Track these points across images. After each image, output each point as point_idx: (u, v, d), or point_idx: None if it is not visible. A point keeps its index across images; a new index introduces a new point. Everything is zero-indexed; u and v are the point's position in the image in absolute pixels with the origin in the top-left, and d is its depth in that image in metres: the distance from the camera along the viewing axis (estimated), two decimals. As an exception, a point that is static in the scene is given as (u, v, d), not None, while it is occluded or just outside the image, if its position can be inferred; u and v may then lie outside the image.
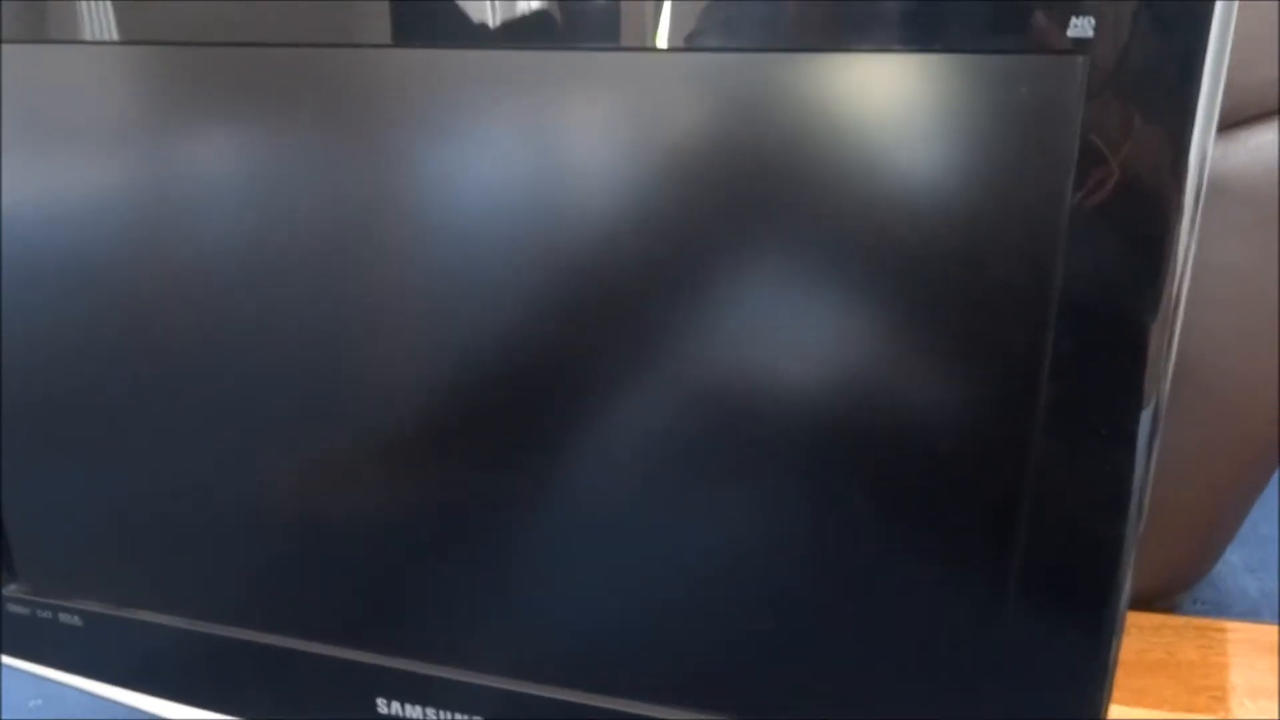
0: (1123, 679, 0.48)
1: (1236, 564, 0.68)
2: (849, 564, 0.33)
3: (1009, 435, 0.30)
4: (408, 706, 0.40)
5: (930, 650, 0.33)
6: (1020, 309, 0.28)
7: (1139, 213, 0.27)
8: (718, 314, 0.32)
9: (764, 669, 0.36)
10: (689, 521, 0.34)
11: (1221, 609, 0.63)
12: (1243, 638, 0.52)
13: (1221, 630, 0.52)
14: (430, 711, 0.40)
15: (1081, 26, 0.25)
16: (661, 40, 0.29)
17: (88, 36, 0.35)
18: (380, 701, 0.40)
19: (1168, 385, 0.28)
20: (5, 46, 0.36)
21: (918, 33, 0.27)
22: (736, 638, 0.36)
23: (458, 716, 0.39)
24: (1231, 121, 0.44)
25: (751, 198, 0.30)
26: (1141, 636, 0.51)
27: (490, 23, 0.31)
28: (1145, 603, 0.55)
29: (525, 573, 0.37)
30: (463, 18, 0.31)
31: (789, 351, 0.32)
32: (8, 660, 0.47)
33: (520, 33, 0.30)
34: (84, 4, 0.34)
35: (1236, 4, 0.25)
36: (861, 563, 0.33)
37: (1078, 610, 0.31)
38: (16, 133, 0.37)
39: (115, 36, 0.34)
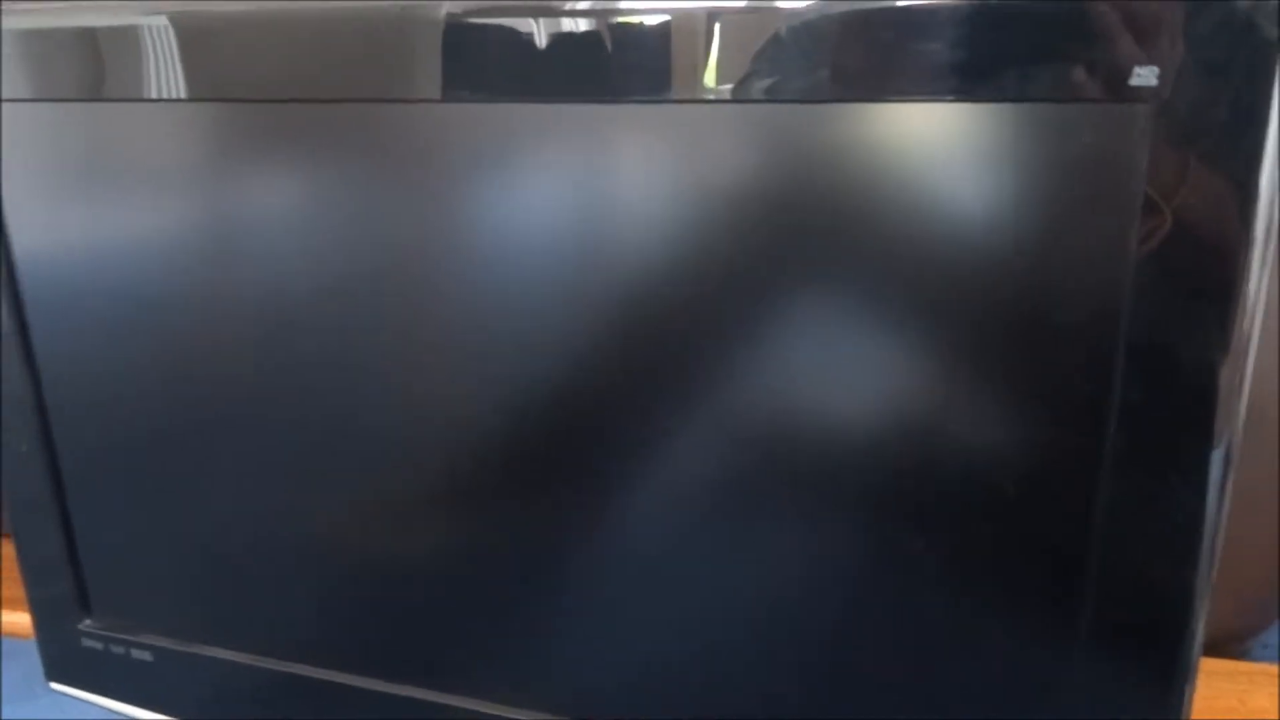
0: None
1: (1309, 607, 0.65)
2: (909, 611, 0.33)
3: (1076, 481, 0.29)
4: (466, 745, 0.40)
5: (995, 700, 0.33)
6: (1085, 355, 0.28)
7: (1206, 259, 0.26)
8: (772, 362, 0.32)
9: (815, 708, 0.35)
10: (744, 565, 0.34)
11: (1294, 654, 0.61)
12: (1318, 685, 0.50)
13: (1296, 677, 0.51)
14: (489, 750, 0.40)
15: (1145, 76, 0.25)
16: (716, 92, 0.30)
17: (153, 95, 0.36)
18: (441, 740, 0.41)
19: (1239, 428, 0.28)
20: (79, 105, 0.37)
21: (976, 81, 0.27)
22: (788, 684, 0.35)
23: (517, 756, 0.40)
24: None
25: (807, 247, 0.30)
26: (1211, 683, 0.50)
27: (537, 77, 0.31)
28: (1213, 648, 0.54)
29: (579, 613, 0.37)
30: (508, 73, 0.31)
31: (849, 398, 0.32)
32: (80, 694, 0.48)
33: (566, 86, 0.31)
34: (150, 66, 0.36)
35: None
36: (922, 610, 0.33)
37: (1149, 658, 0.30)
38: (90, 186, 0.39)
39: (182, 94, 0.36)
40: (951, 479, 0.31)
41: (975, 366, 0.30)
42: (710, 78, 0.29)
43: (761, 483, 0.33)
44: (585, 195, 0.32)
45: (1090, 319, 0.28)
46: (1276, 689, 0.50)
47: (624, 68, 0.30)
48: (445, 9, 0.31)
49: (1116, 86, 0.25)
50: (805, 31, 0.28)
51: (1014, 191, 0.28)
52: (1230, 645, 0.56)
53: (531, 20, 0.31)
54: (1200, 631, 0.30)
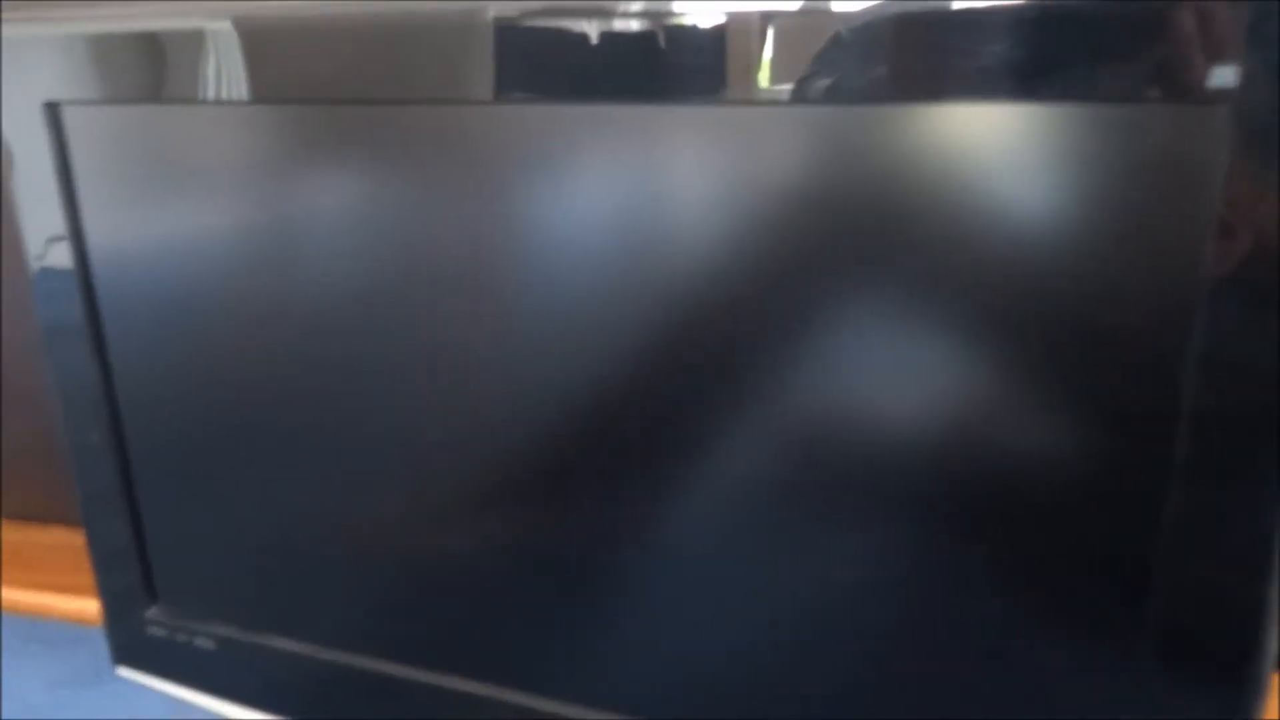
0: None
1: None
2: (969, 620, 0.33)
3: (1144, 490, 0.29)
4: (521, 740, 0.41)
5: (1059, 712, 0.32)
6: (1156, 362, 0.28)
7: (1283, 263, 0.26)
8: (832, 364, 0.32)
9: (871, 717, 0.35)
10: (797, 566, 0.34)
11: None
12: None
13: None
14: (543, 746, 0.40)
15: (1224, 76, 0.24)
16: (772, 93, 0.29)
17: (212, 97, 0.37)
18: (495, 734, 0.41)
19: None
20: (150, 106, 0.39)
21: (1044, 83, 0.27)
22: (840, 687, 0.35)
23: (571, 752, 0.40)
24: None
25: (867, 252, 0.30)
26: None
27: (590, 78, 0.31)
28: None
29: (633, 610, 0.37)
30: (562, 74, 0.32)
31: (914, 406, 0.31)
32: (145, 679, 0.49)
33: (620, 88, 0.31)
34: (210, 69, 0.37)
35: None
36: (983, 619, 0.32)
37: (1218, 674, 0.30)
38: (160, 186, 0.40)
39: (244, 97, 0.37)
40: (1016, 487, 0.30)
41: (1043, 373, 0.29)
42: (765, 79, 0.29)
43: (822, 487, 0.33)
44: (638, 197, 0.32)
45: (1161, 326, 0.27)
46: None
47: (678, 69, 0.30)
48: (497, 10, 0.32)
49: (1193, 87, 0.25)
50: (868, 33, 0.28)
51: (1084, 196, 0.27)
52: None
53: (585, 21, 0.31)
54: (1273, 645, 0.29)
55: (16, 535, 0.79)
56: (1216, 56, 0.24)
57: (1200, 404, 0.28)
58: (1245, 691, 0.30)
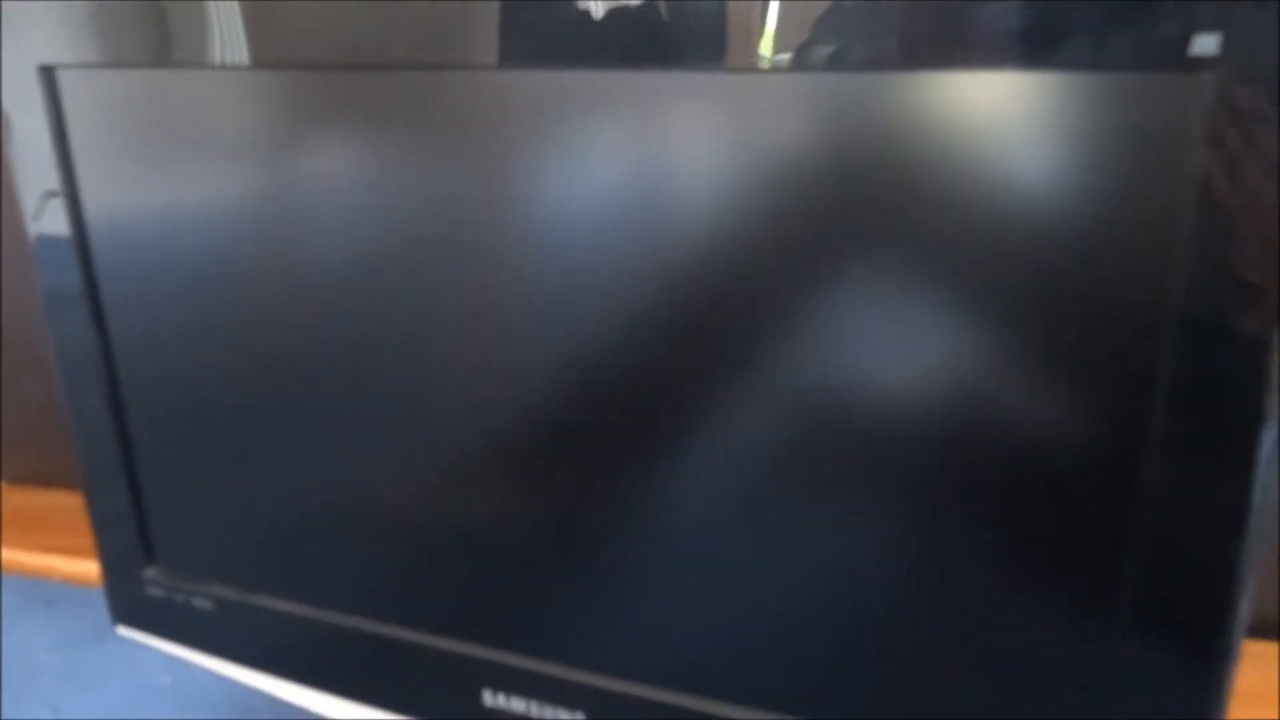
0: (1238, 710, 0.46)
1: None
2: (952, 583, 0.33)
3: (1122, 455, 0.29)
4: (513, 699, 0.41)
5: (1035, 675, 0.33)
6: (1136, 329, 0.28)
7: (1262, 232, 0.26)
8: (826, 330, 0.32)
9: (861, 682, 0.36)
10: (792, 533, 0.35)
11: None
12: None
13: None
14: (534, 706, 0.41)
15: (1206, 44, 0.24)
16: (772, 60, 0.30)
17: (217, 62, 0.37)
18: (486, 693, 0.42)
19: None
20: (148, 70, 0.39)
21: (1031, 51, 0.27)
22: (834, 649, 0.36)
23: (560, 712, 0.40)
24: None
25: (859, 218, 0.30)
26: (1259, 666, 0.49)
27: (591, 45, 0.31)
28: (1267, 631, 0.53)
29: (631, 575, 0.38)
30: (563, 40, 0.32)
31: (896, 368, 0.32)
32: (144, 638, 0.50)
33: (621, 54, 0.31)
34: (214, 33, 0.37)
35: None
36: (965, 582, 0.33)
37: (1192, 636, 0.30)
38: (158, 151, 0.40)
39: (243, 62, 0.37)
40: (996, 450, 0.31)
41: (1023, 337, 0.30)
42: (767, 46, 0.29)
43: (811, 454, 0.33)
44: (640, 165, 0.33)
45: (1143, 293, 0.27)
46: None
47: (679, 36, 0.30)
48: None
49: (1176, 55, 0.25)
50: (861, 1, 0.28)
51: (1069, 163, 0.28)
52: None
53: None
54: (1245, 609, 0.30)
55: (19, 498, 0.80)
56: (1198, 25, 0.25)
57: (1180, 370, 0.28)
58: (1218, 655, 0.30)
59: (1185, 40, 0.25)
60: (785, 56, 0.29)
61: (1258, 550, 0.29)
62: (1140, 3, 0.25)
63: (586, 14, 0.31)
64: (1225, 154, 0.26)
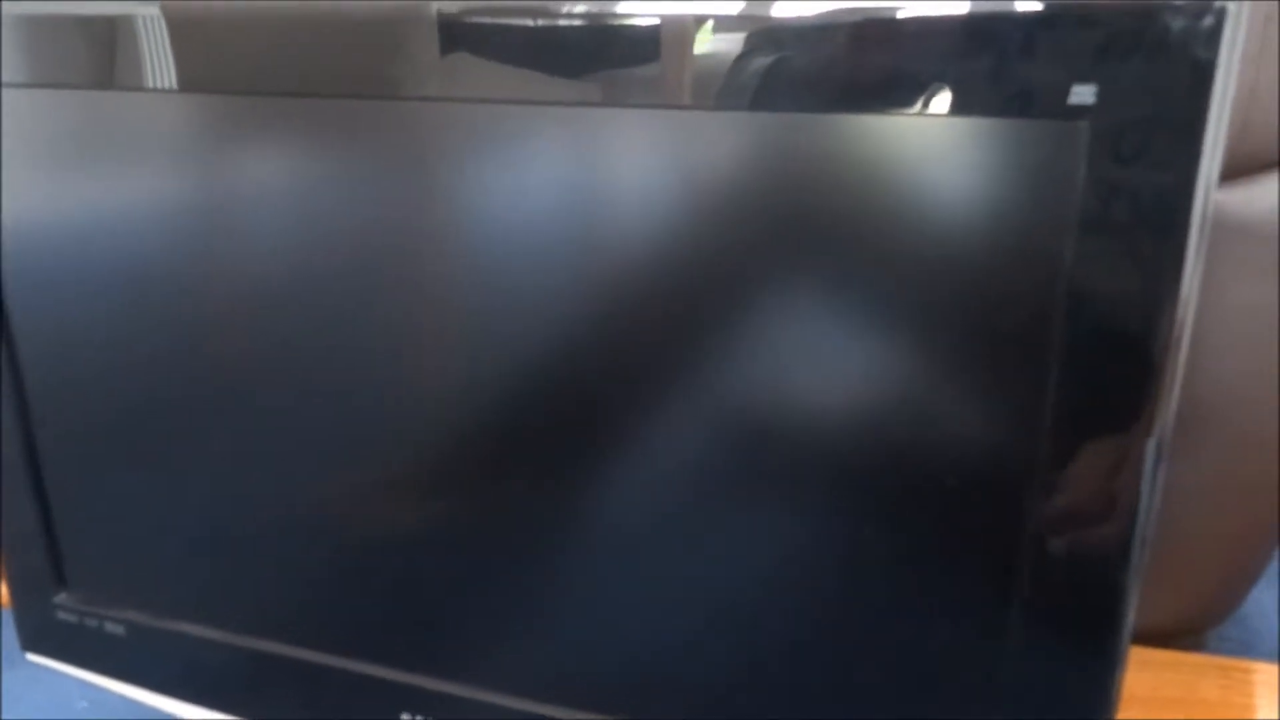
0: (1138, 714, 0.48)
1: (1268, 604, 0.67)
2: (863, 592, 0.34)
3: (1014, 468, 0.31)
4: (430, 722, 0.41)
5: (934, 679, 0.34)
6: (1026, 351, 0.29)
7: (1139, 269, 0.27)
8: (749, 349, 0.33)
9: (776, 695, 0.37)
10: (713, 548, 0.35)
11: (1248, 648, 0.62)
12: (1266, 678, 0.51)
13: (1245, 670, 0.52)
14: (455, 729, 0.41)
15: (1082, 94, 0.26)
16: (698, 100, 0.30)
17: (150, 85, 0.37)
18: (405, 716, 0.42)
19: (1171, 419, 0.29)
20: (85, 92, 0.38)
21: (919, 96, 0.28)
22: (750, 663, 0.37)
23: (481, 735, 0.41)
24: (1258, 167, 0.45)
25: (778, 242, 0.31)
26: (1160, 673, 0.51)
27: (524, 79, 0.32)
28: (1169, 639, 0.55)
29: (554, 596, 0.38)
30: (497, 73, 0.32)
31: (815, 386, 0.33)
32: (56, 665, 0.49)
33: (556, 89, 0.32)
34: (148, 57, 0.36)
35: (1236, 66, 0.26)
36: (870, 591, 0.34)
37: (1081, 641, 0.32)
38: (72, 170, 0.39)
39: (172, 85, 0.37)
40: (899, 465, 0.32)
41: (924, 360, 0.31)
42: (694, 84, 0.30)
43: (737, 468, 0.34)
44: (573, 194, 0.33)
45: (1030, 320, 0.29)
46: (1225, 681, 0.51)
47: (610, 70, 0.31)
48: (437, 8, 0.32)
49: (1055, 104, 0.26)
50: (767, 42, 0.29)
51: (963, 201, 0.29)
52: (1183, 639, 0.57)
53: (522, 20, 0.31)
54: (1132, 614, 0.31)
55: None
56: (1077, 75, 0.26)
57: (1065, 390, 0.29)
58: (1107, 659, 0.31)
59: (1065, 90, 0.26)
60: (710, 95, 0.30)
61: (1142, 558, 0.30)
62: (1025, 54, 0.26)
63: (520, 48, 0.32)
64: (1101, 195, 0.27)
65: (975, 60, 0.27)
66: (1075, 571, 0.31)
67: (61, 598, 0.47)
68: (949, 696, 0.34)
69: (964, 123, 0.28)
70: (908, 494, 0.32)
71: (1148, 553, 0.30)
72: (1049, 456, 0.30)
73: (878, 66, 0.28)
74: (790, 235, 0.31)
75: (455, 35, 0.32)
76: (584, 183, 0.33)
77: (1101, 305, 0.28)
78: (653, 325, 0.33)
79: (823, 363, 0.32)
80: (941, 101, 0.28)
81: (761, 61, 0.30)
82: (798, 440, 0.33)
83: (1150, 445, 0.29)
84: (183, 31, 0.36)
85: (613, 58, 0.31)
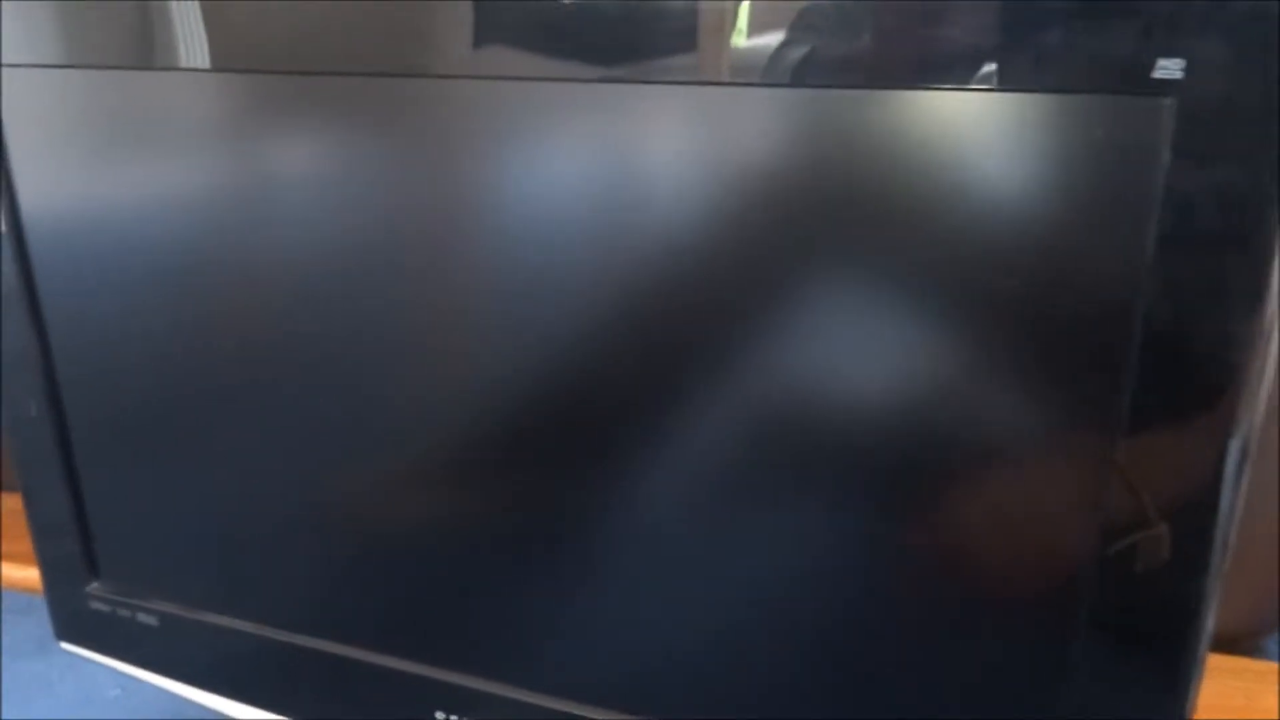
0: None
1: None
2: (918, 596, 0.33)
3: (1088, 468, 0.29)
4: (465, 720, 0.41)
5: (1002, 685, 0.32)
6: (1103, 343, 0.28)
7: (1226, 255, 0.26)
8: (788, 341, 0.31)
9: (821, 701, 0.35)
10: (749, 546, 0.34)
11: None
12: (1330, 686, 0.49)
13: (1308, 677, 0.50)
14: (488, 728, 0.40)
15: (1169, 68, 0.24)
16: (741, 75, 0.29)
17: (184, 65, 0.36)
18: (439, 715, 0.41)
19: (1258, 421, 0.27)
20: (108, 72, 0.37)
21: (996, 70, 0.26)
22: (792, 665, 0.35)
23: (515, 734, 0.40)
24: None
25: (825, 232, 0.30)
26: (1221, 680, 0.49)
27: (559, 55, 0.31)
28: (1228, 645, 0.53)
29: (590, 594, 0.37)
30: (531, 50, 0.31)
31: (862, 379, 0.31)
32: (88, 654, 0.49)
33: (590, 66, 0.31)
34: (181, 36, 0.36)
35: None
36: (924, 599, 0.33)
37: (1155, 652, 0.30)
38: (102, 151, 0.39)
39: (193, 64, 0.36)
40: (959, 466, 0.31)
41: (990, 356, 0.29)
42: (734, 61, 0.29)
43: (781, 463, 0.33)
44: (606, 175, 0.32)
45: (1106, 312, 0.27)
46: (1286, 688, 0.49)
47: (648, 46, 0.30)
48: None
49: (1138, 78, 0.24)
50: (828, 17, 0.28)
51: (1034, 183, 0.27)
52: (1243, 643, 0.55)
53: None
54: (1209, 628, 0.29)
55: (-37, 502, 0.78)
56: (1163, 49, 0.24)
57: (1143, 387, 0.28)
58: (1182, 672, 0.30)
59: (1149, 63, 0.24)
60: (759, 46, 0.29)
61: (1223, 562, 0.29)
62: (1107, 26, 0.25)
63: (554, 23, 0.30)
64: (1186, 178, 0.25)
65: (1049, 29, 0.25)
66: (1151, 575, 0.29)
67: (94, 587, 0.47)
68: (1016, 704, 0.32)
69: (1036, 99, 0.26)
70: (974, 495, 0.31)
71: (1228, 557, 0.29)
72: (1125, 455, 0.28)
73: (942, 36, 0.27)
74: (845, 220, 0.30)
75: (490, 11, 0.31)
76: (620, 163, 0.32)
77: (1185, 296, 0.26)
78: (696, 310, 0.32)
79: (879, 354, 0.31)
80: (1012, 75, 0.26)
81: (812, 33, 0.28)
82: (853, 435, 0.32)
83: (1234, 445, 0.27)
84: (216, 9, 0.35)
85: (652, 32, 0.30)
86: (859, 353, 0.31)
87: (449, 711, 0.41)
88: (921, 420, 0.31)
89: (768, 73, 0.29)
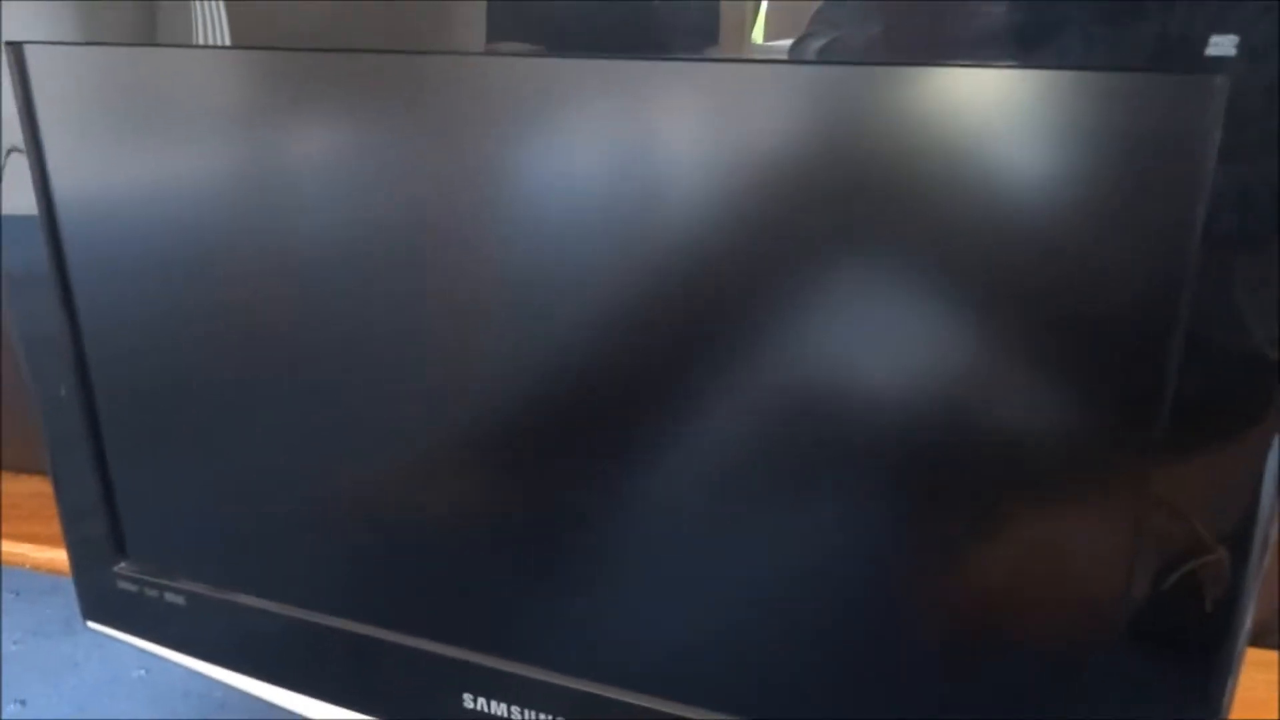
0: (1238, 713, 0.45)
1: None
2: (948, 590, 0.32)
3: (1124, 469, 0.28)
4: (493, 703, 0.40)
5: (1042, 681, 0.32)
6: (1142, 335, 0.27)
7: (1278, 242, 0.25)
8: (815, 327, 0.31)
9: (842, 686, 0.35)
10: (788, 534, 0.34)
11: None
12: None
13: (1336, 670, 0.50)
14: (515, 710, 0.40)
15: (1222, 45, 0.24)
16: (766, 51, 0.29)
17: (201, 41, 0.36)
18: (467, 696, 0.41)
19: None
20: (137, 50, 0.37)
21: (1039, 48, 0.26)
22: (822, 655, 0.35)
23: (541, 716, 0.40)
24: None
25: (858, 215, 0.29)
26: (1247, 673, 0.49)
27: (580, 31, 0.30)
28: (1255, 638, 0.52)
29: (612, 576, 0.37)
30: (551, 26, 0.31)
31: (884, 369, 0.31)
32: (115, 634, 0.49)
33: (611, 41, 0.30)
34: (198, 6, 0.35)
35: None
36: (960, 589, 0.32)
37: (1193, 647, 0.30)
38: (133, 132, 0.39)
39: (226, 42, 0.36)
40: (995, 463, 0.30)
41: (1031, 344, 0.29)
42: (759, 36, 0.28)
43: (808, 453, 0.33)
44: (626, 156, 0.32)
45: (1150, 300, 0.27)
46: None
47: (669, 23, 0.29)
48: None
49: (1189, 56, 0.24)
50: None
51: (1077, 165, 0.27)
52: (1270, 637, 0.55)
53: None
54: (1248, 623, 0.29)
55: (-10, 484, 0.78)
56: (1215, 26, 0.24)
57: (1187, 378, 0.27)
58: (1220, 666, 0.30)
59: (1202, 39, 0.24)
60: (778, 44, 0.28)
61: (1263, 560, 0.28)
62: (1156, 2, 0.24)
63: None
64: (1241, 160, 0.25)
65: (1094, 4, 0.25)
66: (1190, 572, 0.29)
67: (122, 567, 0.47)
68: (1056, 699, 0.32)
69: (1079, 78, 0.26)
70: (1012, 490, 0.30)
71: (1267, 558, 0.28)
72: (1167, 449, 0.28)
73: (981, 10, 0.26)
74: (876, 205, 0.29)
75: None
76: (640, 144, 0.31)
77: (1233, 285, 0.26)
78: (727, 293, 0.32)
79: (902, 344, 0.30)
80: (1054, 53, 0.26)
81: (837, 10, 0.28)
82: (891, 426, 0.31)
83: (1276, 440, 0.27)
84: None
85: (670, 8, 0.29)
86: (884, 339, 0.30)
87: (477, 693, 0.41)
88: (950, 415, 0.30)
89: (795, 50, 0.28)
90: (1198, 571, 0.29)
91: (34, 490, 0.75)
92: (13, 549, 0.70)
